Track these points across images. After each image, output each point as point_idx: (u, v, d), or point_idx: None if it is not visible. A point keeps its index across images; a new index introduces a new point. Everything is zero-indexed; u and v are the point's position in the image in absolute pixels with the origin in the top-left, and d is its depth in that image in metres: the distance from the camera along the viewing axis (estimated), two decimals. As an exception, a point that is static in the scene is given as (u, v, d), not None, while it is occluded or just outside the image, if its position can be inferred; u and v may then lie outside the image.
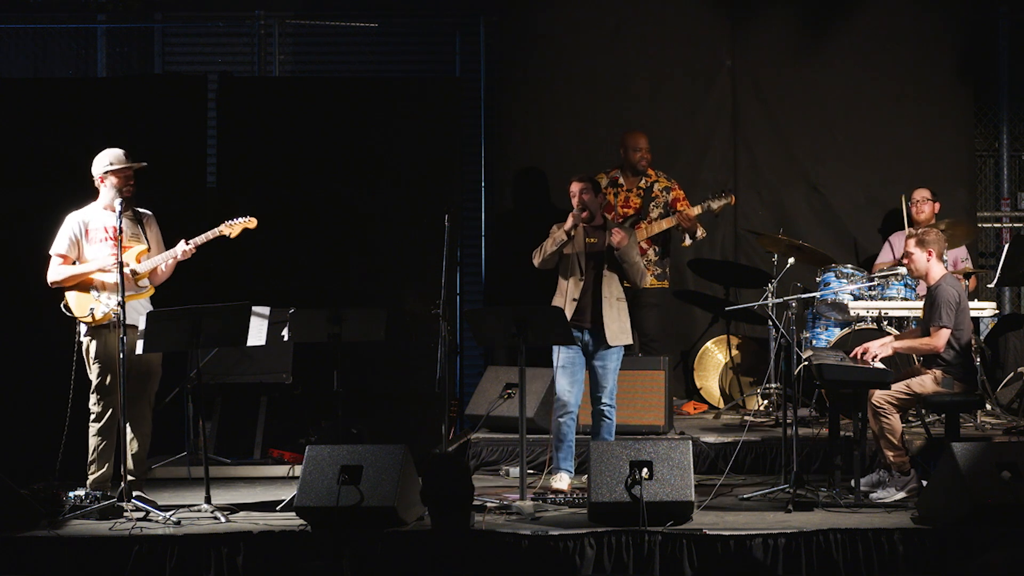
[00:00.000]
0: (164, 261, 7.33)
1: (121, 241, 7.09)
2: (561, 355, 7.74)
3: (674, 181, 9.42)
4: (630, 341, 7.91)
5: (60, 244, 7.30)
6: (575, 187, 7.79)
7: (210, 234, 7.34)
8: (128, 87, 9.77)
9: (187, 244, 7.30)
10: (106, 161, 7.30)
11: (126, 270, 7.12)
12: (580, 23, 10.21)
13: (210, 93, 9.64)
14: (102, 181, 7.31)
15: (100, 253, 7.24)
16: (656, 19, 10.22)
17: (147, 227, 7.42)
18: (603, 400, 7.77)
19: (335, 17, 10.61)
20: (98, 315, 7.17)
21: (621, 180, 9.41)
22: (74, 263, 7.29)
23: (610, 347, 7.75)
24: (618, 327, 7.76)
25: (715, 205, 9.26)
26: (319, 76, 10.67)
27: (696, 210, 9.22)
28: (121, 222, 7.14)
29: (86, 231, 7.29)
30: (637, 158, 9.35)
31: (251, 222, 7.43)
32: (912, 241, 7.75)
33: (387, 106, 9.56)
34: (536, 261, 7.81)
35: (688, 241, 9.37)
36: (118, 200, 7.20)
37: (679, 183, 9.48)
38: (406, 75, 10.64)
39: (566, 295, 7.77)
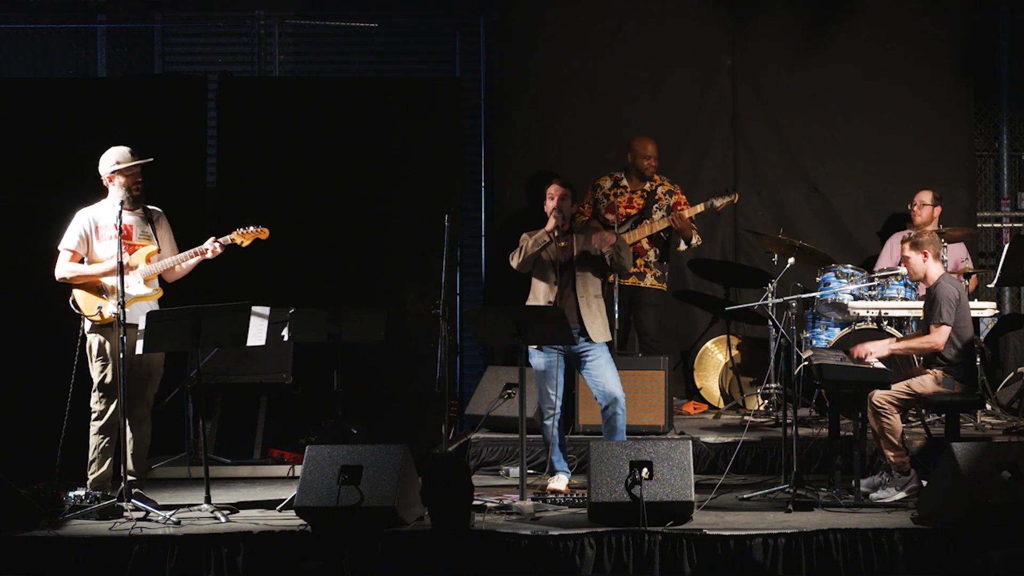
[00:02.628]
0: (178, 263, 7.32)
1: (121, 241, 7.09)
2: (540, 360, 7.74)
3: (677, 186, 9.42)
4: (611, 338, 7.90)
5: (69, 240, 7.29)
6: (555, 190, 7.77)
7: (226, 239, 7.34)
8: (128, 87, 9.77)
9: (215, 242, 7.29)
10: (112, 160, 7.29)
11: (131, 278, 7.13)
12: (580, 23, 10.21)
13: (210, 93, 9.64)
14: (110, 180, 7.30)
15: (110, 252, 7.23)
16: (656, 19, 10.22)
17: (158, 226, 7.40)
18: (615, 397, 7.69)
19: (335, 17, 10.61)
20: (106, 314, 7.17)
21: (624, 182, 9.40)
22: (82, 260, 7.29)
23: (596, 343, 7.74)
24: (600, 324, 7.76)
25: (719, 203, 9.24)
26: (319, 76, 10.67)
27: (699, 208, 9.21)
28: (121, 220, 7.13)
29: (96, 229, 7.29)
30: (645, 165, 9.34)
31: (263, 232, 7.42)
32: (907, 245, 7.76)
33: (387, 106, 9.56)
34: (514, 263, 7.80)
35: (683, 247, 9.37)
36: (118, 199, 7.19)
37: (680, 183, 9.49)
38: (406, 75, 10.64)
39: (540, 298, 7.78)
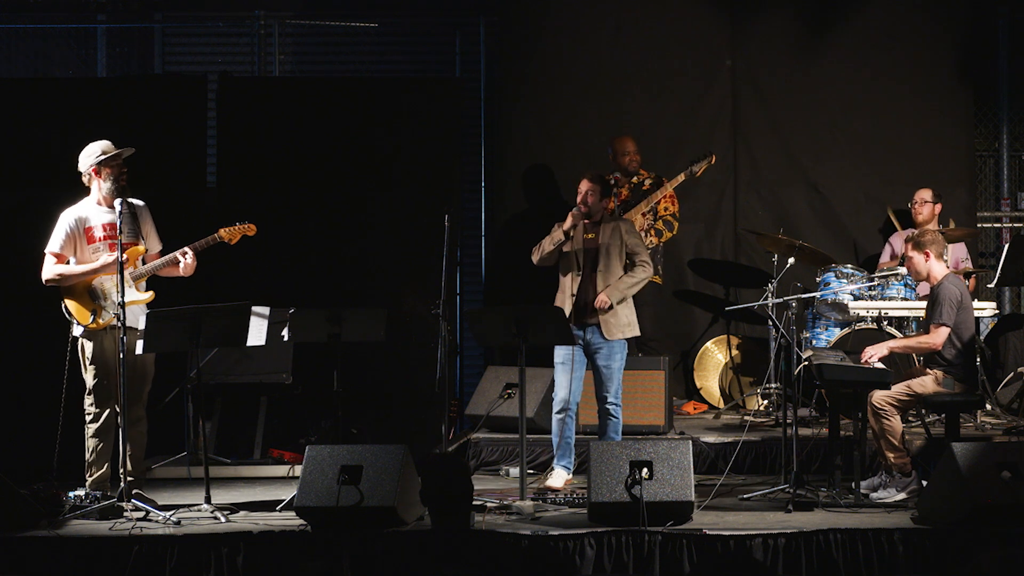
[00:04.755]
0: (164, 265, 7.29)
1: (121, 241, 7.07)
2: (560, 353, 7.75)
3: (664, 177, 9.43)
4: (636, 333, 7.90)
5: (55, 243, 7.22)
6: (584, 186, 7.82)
7: (209, 240, 7.30)
8: (128, 87, 9.77)
9: (187, 258, 7.20)
10: (97, 152, 7.21)
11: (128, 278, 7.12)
12: (580, 23, 10.21)
13: (210, 93, 9.65)
14: (95, 174, 7.21)
15: (99, 253, 7.21)
16: (656, 19, 10.22)
17: (142, 220, 7.33)
18: (608, 399, 7.75)
19: (335, 17, 10.61)
20: (101, 320, 7.14)
21: (614, 179, 9.43)
22: (68, 262, 7.24)
23: (612, 342, 7.73)
24: (617, 321, 7.75)
25: (696, 168, 9.33)
26: (319, 76, 10.68)
27: (680, 178, 9.29)
28: (121, 220, 7.11)
29: (84, 230, 7.23)
30: (626, 162, 9.41)
31: (250, 228, 7.40)
32: (909, 245, 7.76)
33: (387, 106, 9.57)
34: (535, 259, 7.83)
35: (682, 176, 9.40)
36: (119, 200, 7.12)
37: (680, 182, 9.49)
38: (406, 75, 10.65)
39: (566, 292, 7.79)
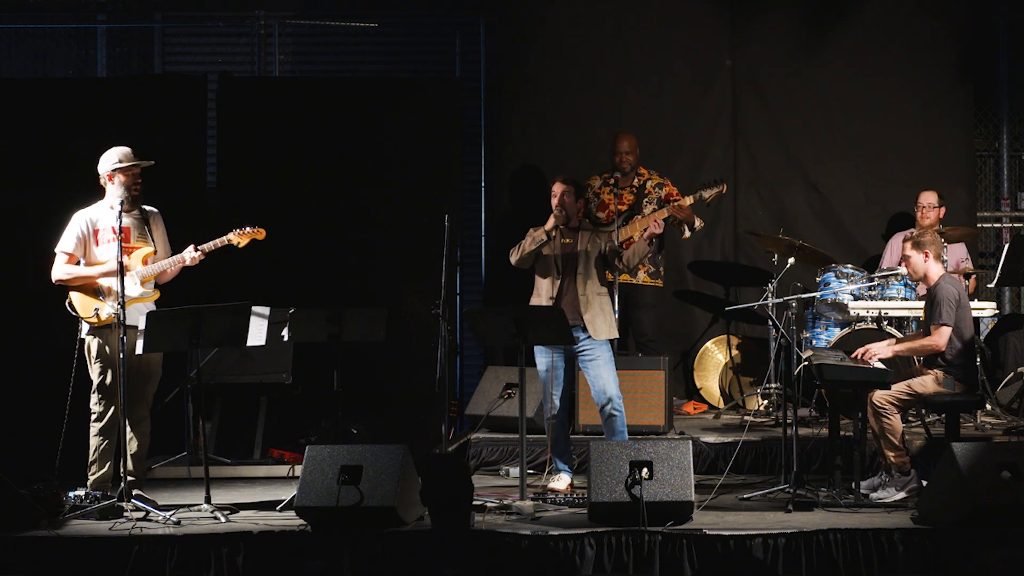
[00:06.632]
0: (170, 266, 7.32)
1: (121, 242, 7.08)
2: (542, 361, 7.74)
3: (667, 179, 9.41)
4: (616, 335, 7.88)
5: (67, 242, 7.28)
6: (558, 188, 7.80)
7: (219, 242, 7.33)
8: (128, 87, 9.77)
9: (196, 251, 7.28)
10: (114, 159, 7.28)
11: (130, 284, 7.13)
12: (580, 23, 10.22)
13: (210, 93, 9.65)
14: (110, 179, 7.29)
15: (107, 254, 7.23)
16: (656, 19, 10.22)
17: (153, 226, 7.40)
18: (608, 396, 7.70)
19: (335, 17, 10.61)
20: (103, 316, 7.16)
21: (614, 179, 9.41)
22: (79, 262, 7.28)
23: (597, 342, 7.72)
24: (603, 321, 7.74)
25: (707, 194, 9.21)
26: (319, 76, 10.67)
27: (688, 200, 9.22)
28: (121, 222, 7.13)
29: (95, 231, 7.28)
30: (618, 161, 9.37)
31: (260, 232, 7.42)
32: (908, 244, 7.76)
33: (387, 106, 9.56)
34: (513, 259, 7.81)
35: (687, 233, 9.33)
36: (118, 200, 7.18)
37: (679, 183, 9.47)
38: (406, 75, 10.64)
39: (542, 294, 7.78)
